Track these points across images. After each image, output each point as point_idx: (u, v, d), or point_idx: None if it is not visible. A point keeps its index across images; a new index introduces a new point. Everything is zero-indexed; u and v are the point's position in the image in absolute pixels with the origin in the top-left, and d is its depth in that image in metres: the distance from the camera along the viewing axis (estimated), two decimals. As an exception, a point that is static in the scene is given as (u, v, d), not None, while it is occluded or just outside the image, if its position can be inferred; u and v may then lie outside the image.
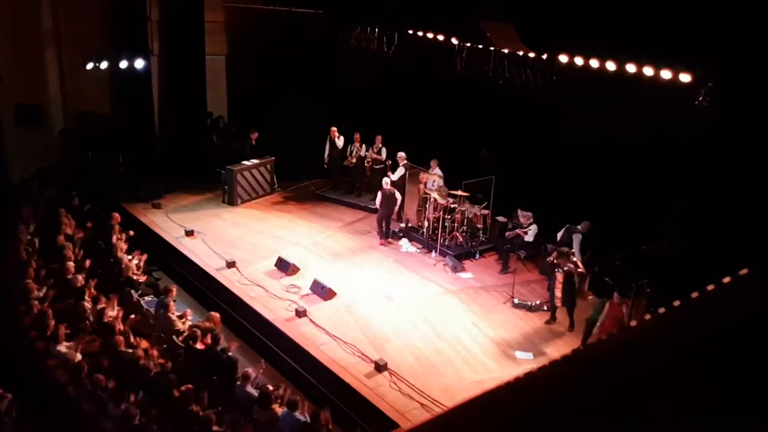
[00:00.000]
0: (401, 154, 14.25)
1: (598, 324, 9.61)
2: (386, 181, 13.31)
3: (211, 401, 7.92)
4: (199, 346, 8.89)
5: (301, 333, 10.21)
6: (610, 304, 9.56)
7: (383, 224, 13.47)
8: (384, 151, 15.06)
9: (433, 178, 13.43)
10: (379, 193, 13.29)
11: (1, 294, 9.57)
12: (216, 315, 9.90)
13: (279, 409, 7.79)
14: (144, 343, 8.96)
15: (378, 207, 13.43)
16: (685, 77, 9.90)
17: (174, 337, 9.23)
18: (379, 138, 15.20)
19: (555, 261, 10.52)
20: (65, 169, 14.84)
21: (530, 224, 12.38)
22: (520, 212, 12.68)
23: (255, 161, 15.54)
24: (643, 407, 1.58)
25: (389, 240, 13.48)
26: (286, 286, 11.55)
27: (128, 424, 6.88)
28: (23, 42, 14.36)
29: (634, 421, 1.59)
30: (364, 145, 15.52)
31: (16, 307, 9.02)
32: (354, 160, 15.54)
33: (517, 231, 12.58)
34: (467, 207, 13.17)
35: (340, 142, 15.54)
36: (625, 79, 10.69)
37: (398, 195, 13.31)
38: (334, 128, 15.55)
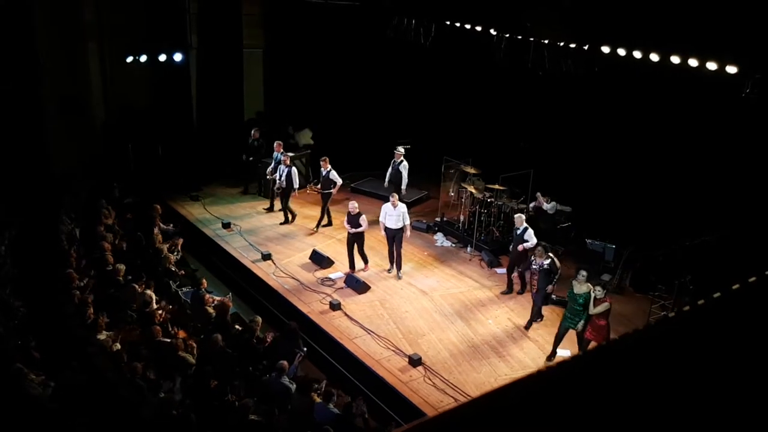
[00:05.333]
0: (400, 150, 13.48)
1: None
2: (353, 205, 11.65)
3: (246, 392, 7.97)
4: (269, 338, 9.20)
5: (335, 326, 10.21)
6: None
7: (355, 251, 11.78)
8: (334, 174, 13.22)
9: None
10: (363, 216, 11.65)
11: (43, 283, 9.78)
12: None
13: (317, 398, 7.80)
14: (181, 334, 9.06)
15: (349, 232, 11.74)
16: (731, 69, 9.54)
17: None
18: (325, 161, 13.31)
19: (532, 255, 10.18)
20: (106, 161, 15.09)
21: (550, 203, 12.18)
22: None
23: (291, 154, 15.56)
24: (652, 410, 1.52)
25: (357, 268, 11.89)
26: (320, 280, 11.57)
27: (167, 412, 6.96)
28: (66, 34, 14.60)
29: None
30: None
31: (58, 296, 9.21)
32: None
33: (537, 203, 12.35)
34: (504, 201, 12.98)
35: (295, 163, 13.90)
36: (669, 71, 10.36)
37: (364, 220, 11.55)
38: (255, 129, 14.77)
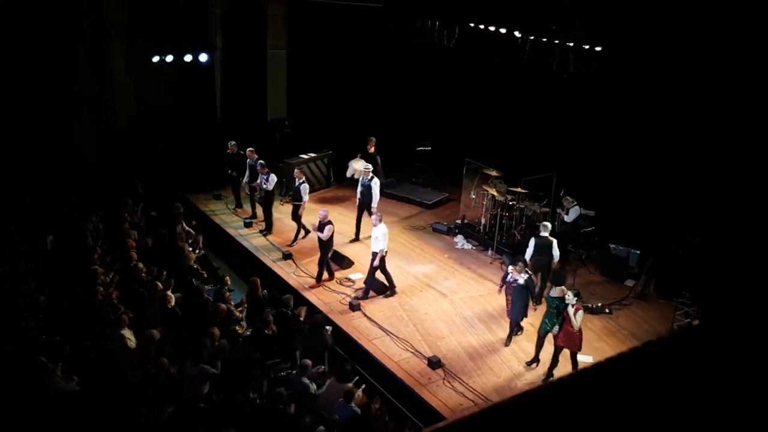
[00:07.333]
0: (368, 167, 13.05)
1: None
2: (322, 213, 11.32)
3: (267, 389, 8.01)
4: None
5: (354, 326, 10.22)
6: (566, 315, 8.76)
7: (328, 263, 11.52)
8: (305, 187, 12.80)
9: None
10: (329, 226, 11.20)
11: (68, 279, 9.90)
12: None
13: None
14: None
15: (324, 242, 11.31)
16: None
17: (236, 327, 9.36)
18: (300, 171, 13.17)
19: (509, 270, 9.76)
20: (130, 160, 15.25)
21: (573, 206, 11.94)
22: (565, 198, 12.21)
23: (312, 155, 15.63)
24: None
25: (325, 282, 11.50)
26: (340, 280, 11.58)
27: (196, 405, 7.06)
28: (90, 35, 14.74)
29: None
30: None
31: (82, 292, 9.32)
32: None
33: (559, 212, 12.12)
34: (527, 204, 12.87)
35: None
36: (692, 74, 10.27)
37: (328, 229, 11.13)
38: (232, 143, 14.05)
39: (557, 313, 8.86)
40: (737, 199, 10.21)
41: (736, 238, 9.68)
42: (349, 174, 15.07)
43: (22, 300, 8.91)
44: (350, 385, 7.98)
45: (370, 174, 12.88)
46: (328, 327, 9.54)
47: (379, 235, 10.74)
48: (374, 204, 12.71)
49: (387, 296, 11.06)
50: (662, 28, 10.25)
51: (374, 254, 10.78)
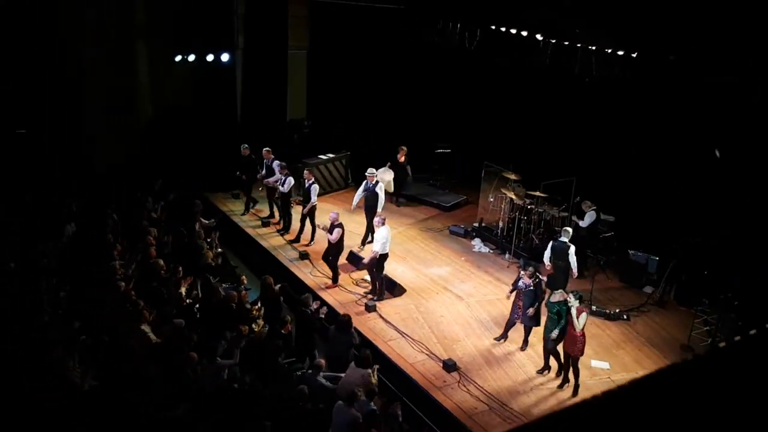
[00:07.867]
0: (372, 171, 12.90)
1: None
2: (332, 215, 11.41)
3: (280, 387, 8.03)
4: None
5: (369, 327, 10.22)
6: (569, 318, 8.66)
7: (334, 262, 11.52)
8: (314, 188, 12.75)
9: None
10: (338, 229, 11.25)
11: (88, 274, 10.01)
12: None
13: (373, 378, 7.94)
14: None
15: (332, 243, 11.36)
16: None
17: (252, 325, 9.41)
18: (310, 172, 13.16)
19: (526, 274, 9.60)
20: (151, 158, 15.39)
21: (590, 210, 11.84)
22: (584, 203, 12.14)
23: (331, 155, 15.66)
24: None
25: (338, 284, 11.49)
26: (356, 280, 11.60)
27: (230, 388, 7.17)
28: (114, 34, 14.90)
29: None
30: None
31: (102, 287, 9.42)
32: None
33: (574, 219, 12.08)
34: (545, 208, 12.79)
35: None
36: (692, 74, 10.21)
37: (337, 232, 11.20)
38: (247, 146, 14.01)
39: (558, 318, 8.81)
40: (737, 199, 10.14)
41: (736, 238, 9.62)
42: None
43: (45, 294, 9.02)
44: (369, 370, 7.99)
45: (375, 179, 12.82)
46: None
47: (379, 237, 10.74)
48: (380, 208, 12.65)
49: (372, 298, 11.00)
50: (662, 29, 10.20)
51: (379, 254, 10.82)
